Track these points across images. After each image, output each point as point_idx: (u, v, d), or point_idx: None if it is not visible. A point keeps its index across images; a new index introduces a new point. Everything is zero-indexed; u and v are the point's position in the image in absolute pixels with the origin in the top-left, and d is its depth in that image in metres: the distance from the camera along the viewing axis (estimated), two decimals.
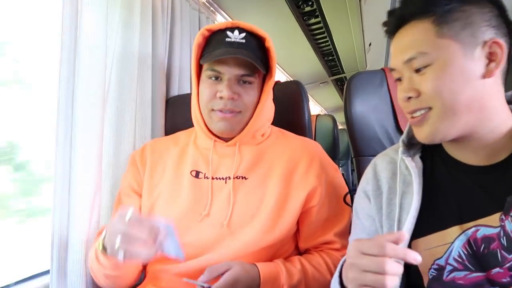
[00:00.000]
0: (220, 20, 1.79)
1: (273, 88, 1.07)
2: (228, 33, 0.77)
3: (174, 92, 1.24)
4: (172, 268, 0.76)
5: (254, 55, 0.76)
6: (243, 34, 0.77)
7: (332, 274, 0.78)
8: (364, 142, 0.93)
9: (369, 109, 0.93)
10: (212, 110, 0.78)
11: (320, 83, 3.67)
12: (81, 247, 0.87)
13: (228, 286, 0.67)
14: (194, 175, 0.81)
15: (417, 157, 0.61)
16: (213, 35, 0.81)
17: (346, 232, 0.81)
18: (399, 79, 0.57)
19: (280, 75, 3.05)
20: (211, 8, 1.67)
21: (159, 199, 0.81)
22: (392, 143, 0.92)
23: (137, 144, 1.02)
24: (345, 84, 0.97)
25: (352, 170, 3.09)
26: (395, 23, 0.55)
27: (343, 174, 0.95)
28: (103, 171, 0.94)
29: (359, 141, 0.94)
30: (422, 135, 0.54)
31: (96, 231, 0.91)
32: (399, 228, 0.56)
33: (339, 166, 2.56)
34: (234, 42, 0.76)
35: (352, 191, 0.89)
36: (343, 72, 3.45)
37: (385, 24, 0.58)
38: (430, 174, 0.59)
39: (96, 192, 0.93)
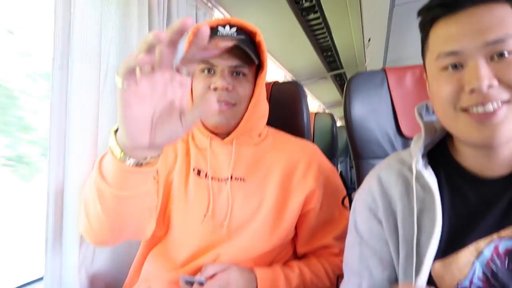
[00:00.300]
0: (218, 16, 1.76)
1: (272, 88, 1.06)
2: (219, 28, 0.77)
3: None
4: (166, 274, 0.74)
5: (246, 46, 0.75)
6: (234, 29, 0.77)
7: (330, 280, 0.78)
8: (364, 144, 0.91)
9: (369, 110, 0.91)
10: None
11: (319, 79, 3.65)
12: (75, 253, 0.86)
13: (220, 286, 0.67)
14: (196, 172, 0.80)
15: (431, 170, 0.55)
16: None
17: (344, 236, 0.80)
18: (455, 66, 0.48)
19: (279, 71, 3.03)
20: (209, 4, 1.64)
21: (173, 184, 0.79)
22: (392, 145, 0.90)
23: None
24: (345, 85, 0.95)
25: (351, 167, 3.09)
26: None
27: (342, 172, 0.94)
28: None
29: (359, 143, 0.92)
30: (489, 133, 0.46)
31: None
32: (418, 253, 0.51)
33: (338, 164, 2.55)
34: (225, 35, 0.76)
35: (351, 189, 0.87)
36: (342, 68, 3.44)
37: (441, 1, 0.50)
38: (446, 189, 0.54)
39: None
